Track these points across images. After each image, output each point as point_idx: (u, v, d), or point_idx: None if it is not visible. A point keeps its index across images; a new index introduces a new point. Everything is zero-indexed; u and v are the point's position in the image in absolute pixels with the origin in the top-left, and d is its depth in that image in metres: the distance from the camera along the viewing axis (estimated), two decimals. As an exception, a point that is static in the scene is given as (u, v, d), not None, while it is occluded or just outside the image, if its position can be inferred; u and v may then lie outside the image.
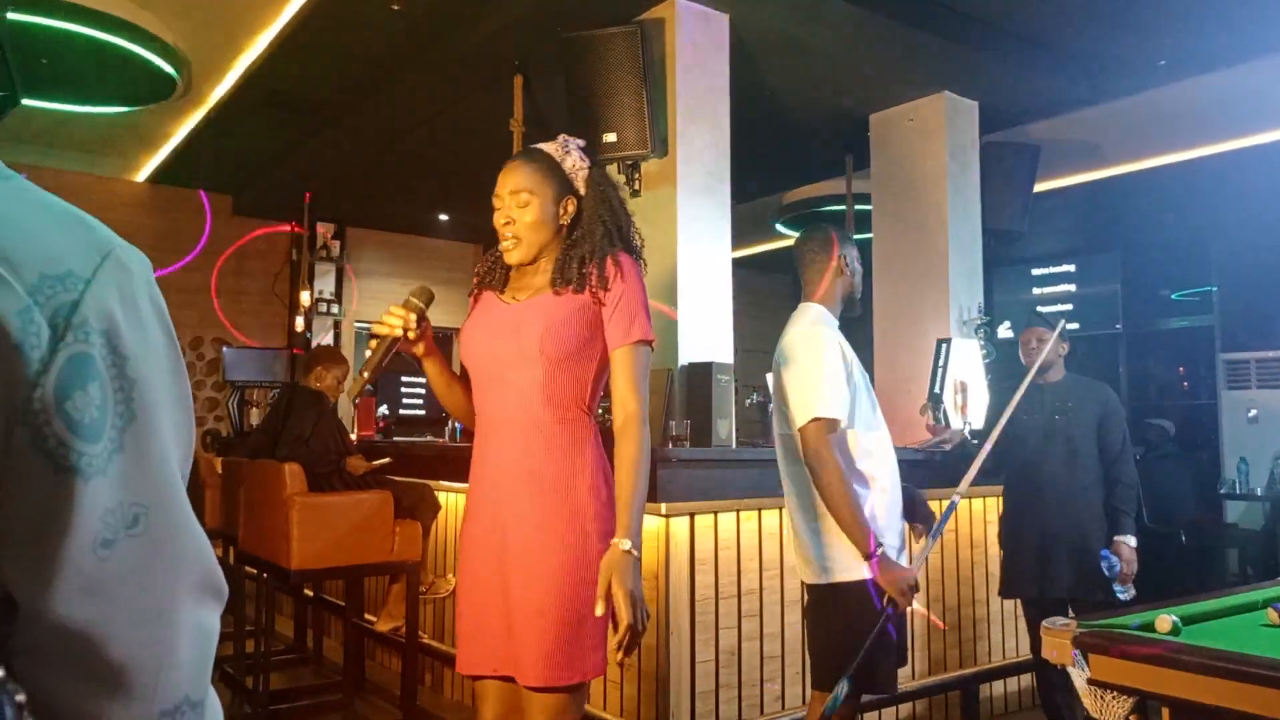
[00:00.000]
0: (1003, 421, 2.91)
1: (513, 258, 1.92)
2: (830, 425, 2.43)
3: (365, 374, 1.82)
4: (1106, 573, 3.42)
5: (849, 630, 2.45)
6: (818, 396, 2.44)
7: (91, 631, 0.51)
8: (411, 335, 1.83)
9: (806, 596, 2.70)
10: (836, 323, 2.64)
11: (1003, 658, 4.19)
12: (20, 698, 0.48)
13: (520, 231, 1.90)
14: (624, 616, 1.70)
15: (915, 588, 2.44)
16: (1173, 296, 8.09)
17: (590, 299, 1.85)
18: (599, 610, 1.72)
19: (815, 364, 2.48)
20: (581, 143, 2.00)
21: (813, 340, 2.54)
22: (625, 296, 1.86)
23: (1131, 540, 3.47)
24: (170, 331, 0.61)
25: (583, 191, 1.96)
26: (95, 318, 0.53)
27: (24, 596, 0.50)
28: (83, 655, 0.52)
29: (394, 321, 1.82)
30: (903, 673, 3.76)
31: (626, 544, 1.75)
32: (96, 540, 0.52)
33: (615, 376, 1.86)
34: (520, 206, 1.90)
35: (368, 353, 1.84)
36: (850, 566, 2.46)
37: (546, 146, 1.98)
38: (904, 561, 2.53)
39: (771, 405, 2.77)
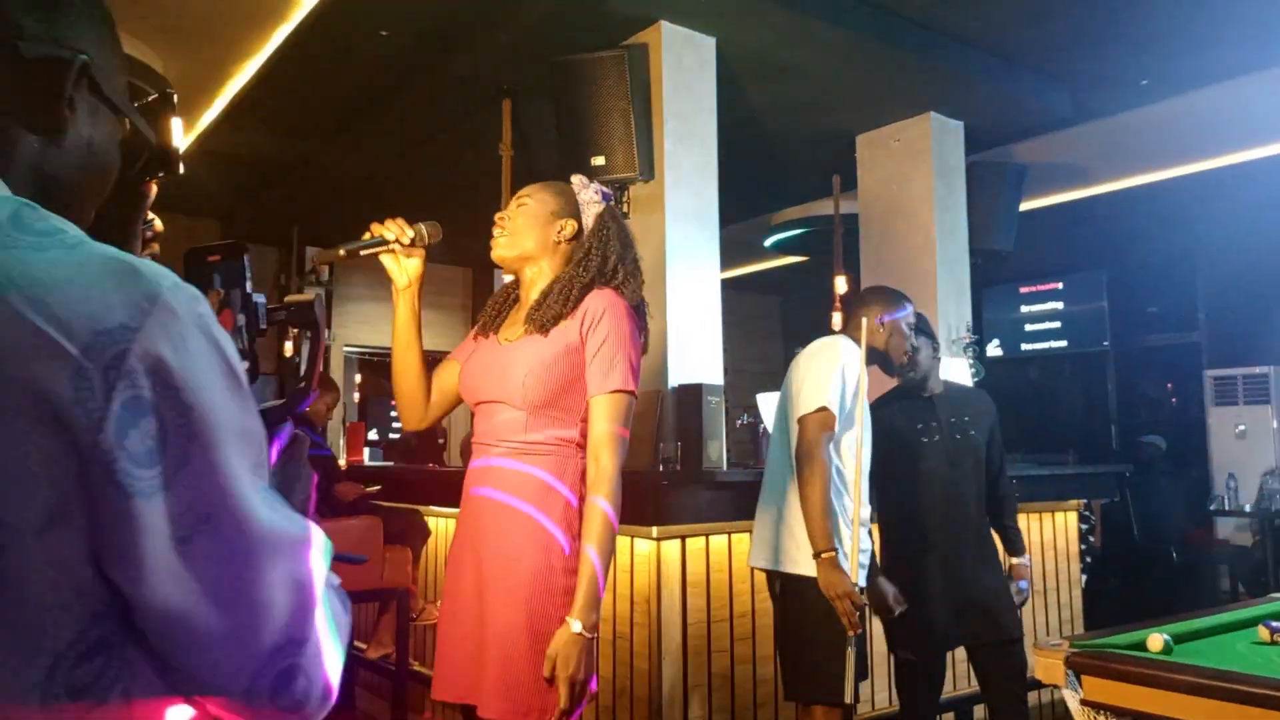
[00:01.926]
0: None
1: (496, 247, 1.93)
2: (829, 420, 2.54)
3: (341, 251, 1.81)
4: (1017, 601, 3.04)
5: (822, 624, 2.51)
6: (825, 391, 2.56)
7: (188, 607, 0.64)
8: (400, 245, 1.84)
9: (780, 586, 2.71)
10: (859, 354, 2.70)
11: (997, 677, 4.17)
12: None
13: (509, 226, 1.93)
14: (560, 702, 1.66)
15: (851, 599, 2.47)
16: (1159, 313, 8.16)
17: (577, 338, 1.82)
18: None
19: (831, 365, 2.60)
20: (608, 191, 2.00)
21: (834, 347, 2.67)
22: (608, 341, 1.80)
23: (1028, 561, 3.13)
24: (223, 352, 0.69)
25: (588, 225, 1.95)
26: (141, 362, 0.62)
27: (130, 593, 0.63)
28: (187, 623, 0.64)
29: (391, 228, 1.84)
30: (896, 695, 3.77)
31: (578, 625, 1.68)
32: (174, 539, 0.63)
33: (590, 425, 1.80)
34: (517, 206, 1.94)
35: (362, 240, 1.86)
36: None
37: (571, 180, 2.01)
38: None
39: (763, 426, 2.82)
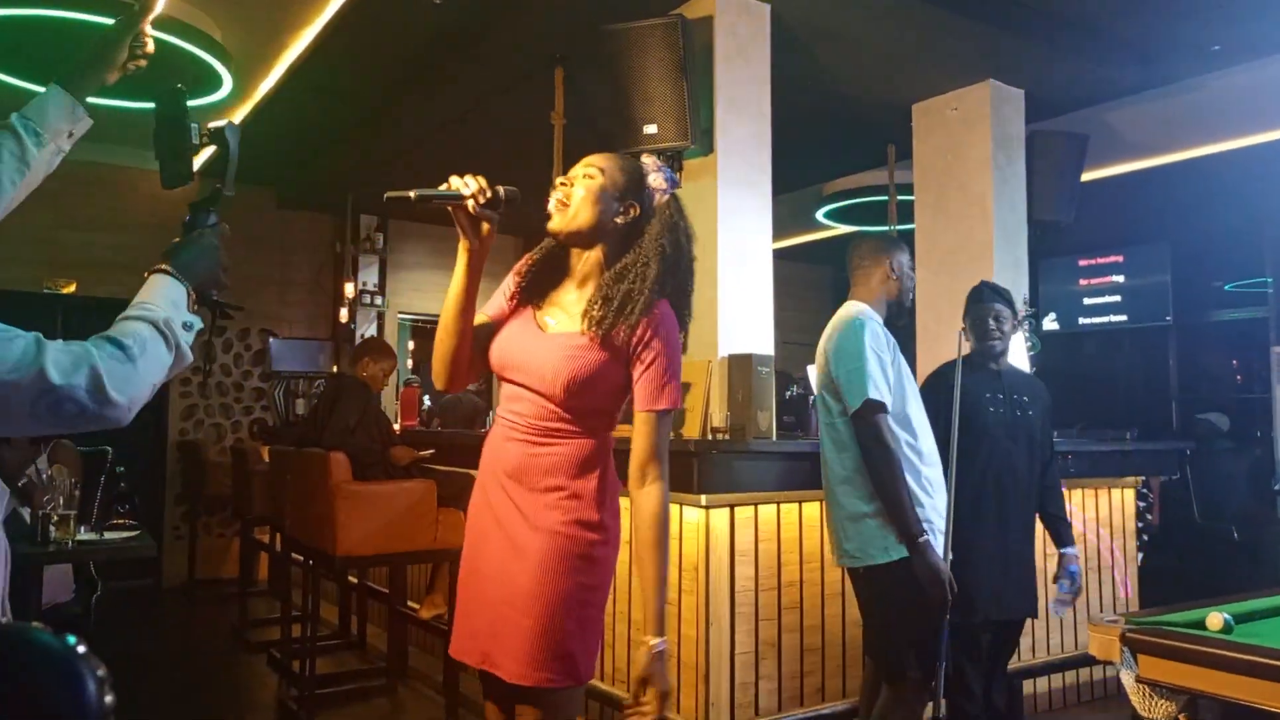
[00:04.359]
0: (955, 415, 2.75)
1: (553, 222, 1.85)
2: (881, 407, 2.54)
3: (412, 193, 1.72)
4: (1069, 590, 3.08)
5: (914, 607, 2.52)
6: (867, 381, 2.54)
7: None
8: (475, 202, 1.74)
9: (853, 585, 2.72)
10: (878, 316, 2.70)
11: (1047, 654, 4.14)
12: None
13: (572, 197, 1.84)
14: (654, 711, 1.70)
15: (949, 583, 2.49)
16: (1225, 288, 7.91)
17: (625, 348, 1.78)
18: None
19: (861, 351, 2.57)
20: (676, 177, 1.93)
21: (856, 329, 2.63)
22: (659, 360, 1.77)
23: (1075, 551, 3.15)
24: None
25: (653, 212, 1.87)
26: None
27: None
28: None
29: (470, 183, 1.76)
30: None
31: (657, 643, 1.72)
32: None
33: (637, 439, 1.79)
34: (585, 177, 1.86)
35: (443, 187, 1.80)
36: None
37: (643, 159, 1.93)
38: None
39: (814, 398, 2.82)
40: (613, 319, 1.76)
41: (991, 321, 3.10)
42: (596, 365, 1.76)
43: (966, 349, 3.00)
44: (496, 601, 1.80)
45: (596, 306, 1.78)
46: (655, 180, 1.88)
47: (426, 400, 7.32)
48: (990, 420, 3.01)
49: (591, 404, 1.79)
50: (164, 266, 1.36)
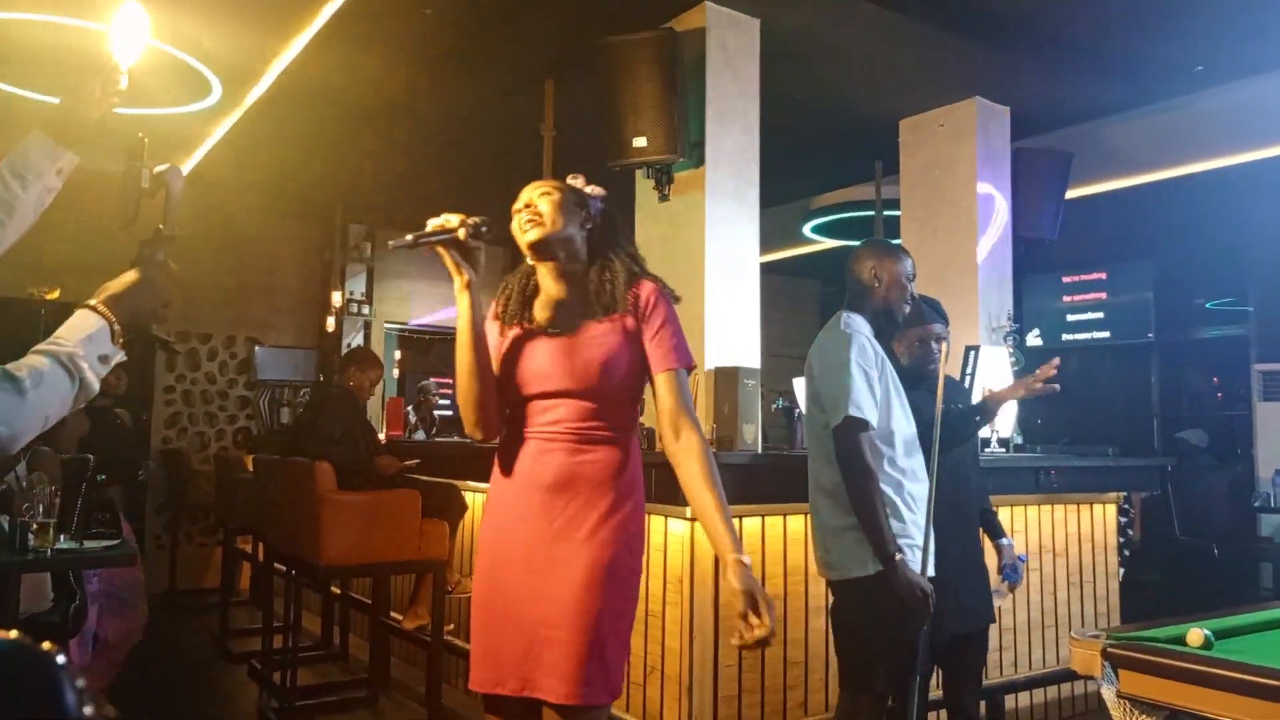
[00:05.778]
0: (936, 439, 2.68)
1: (530, 235, 1.91)
2: (862, 425, 2.51)
3: (409, 238, 1.82)
4: (1015, 579, 3.11)
5: (889, 621, 2.51)
6: (849, 397, 2.52)
7: None
8: (461, 235, 1.83)
9: (832, 596, 2.72)
10: (868, 329, 2.68)
11: (1029, 669, 4.15)
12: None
13: (542, 211, 1.92)
14: (766, 625, 1.71)
15: (928, 596, 2.48)
16: (1207, 305, 7.99)
17: (634, 323, 1.91)
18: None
19: (844, 366, 2.56)
20: (601, 191, 2.07)
21: (841, 343, 2.61)
22: (666, 324, 1.92)
23: (1009, 541, 3.20)
24: None
25: (600, 217, 2.04)
26: None
27: None
28: None
29: (453, 218, 1.86)
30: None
31: (744, 557, 1.79)
32: None
33: (663, 398, 1.89)
34: (543, 195, 1.95)
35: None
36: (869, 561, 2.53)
37: (569, 179, 2.07)
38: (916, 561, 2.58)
39: (800, 410, 2.82)
40: (618, 301, 1.91)
41: (933, 343, 2.98)
42: (617, 345, 1.87)
43: (907, 363, 2.95)
44: (532, 622, 1.78)
45: (603, 295, 1.92)
46: (591, 190, 2.03)
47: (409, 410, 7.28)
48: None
49: (620, 390, 1.88)
50: (89, 302, 1.40)
